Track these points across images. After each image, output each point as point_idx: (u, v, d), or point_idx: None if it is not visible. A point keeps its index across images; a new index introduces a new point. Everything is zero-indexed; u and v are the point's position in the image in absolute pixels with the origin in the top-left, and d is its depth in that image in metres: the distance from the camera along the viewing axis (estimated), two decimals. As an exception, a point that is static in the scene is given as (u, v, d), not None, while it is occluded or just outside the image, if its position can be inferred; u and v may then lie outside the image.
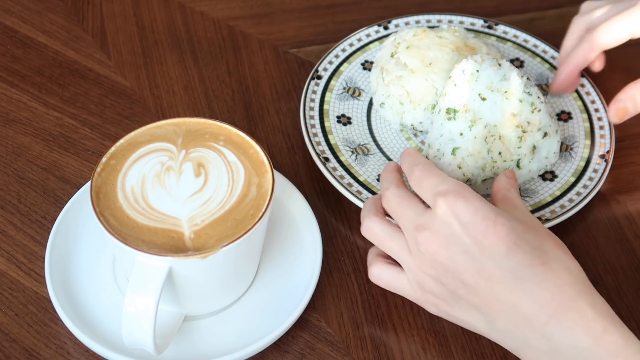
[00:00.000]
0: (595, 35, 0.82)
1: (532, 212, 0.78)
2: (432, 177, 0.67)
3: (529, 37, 0.93)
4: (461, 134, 0.75)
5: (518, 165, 0.78)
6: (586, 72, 0.89)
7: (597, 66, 0.87)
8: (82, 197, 0.77)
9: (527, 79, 0.78)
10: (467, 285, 0.64)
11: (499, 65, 0.77)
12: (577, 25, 0.85)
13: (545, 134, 0.79)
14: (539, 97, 0.78)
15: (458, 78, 0.76)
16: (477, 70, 0.75)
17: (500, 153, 0.77)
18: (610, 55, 0.88)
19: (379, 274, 0.70)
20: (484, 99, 0.75)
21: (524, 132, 0.77)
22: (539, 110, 0.77)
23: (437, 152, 0.76)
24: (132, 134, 0.72)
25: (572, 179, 0.81)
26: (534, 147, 0.78)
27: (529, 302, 0.62)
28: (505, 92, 0.76)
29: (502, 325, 0.64)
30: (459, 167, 0.75)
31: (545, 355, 0.62)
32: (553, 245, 0.64)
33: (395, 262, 0.70)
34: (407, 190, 0.69)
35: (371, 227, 0.69)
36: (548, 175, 0.81)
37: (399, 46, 0.84)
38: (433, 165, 0.69)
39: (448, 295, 0.66)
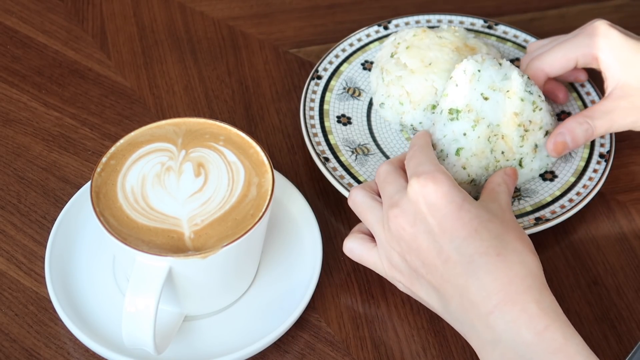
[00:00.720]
0: (537, 62, 0.82)
1: (532, 212, 0.78)
2: (418, 157, 0.69)
3: (529, 37, 0.93)
4: (464, 134, 0.75)
5: (520, 164, 0.78)
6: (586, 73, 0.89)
7: (562, 99, 0.86)
8: (82, 197, 0.77)
9: (528, 78, 0.78)
10: (426, 265, 0.66)
11: (500, 64, 0.77)
12: (523, 66, 0.85)
13: (546, 133, 0.79)
14: (539, 96, 0.78)
15: (459, 78, 0.76)
16: (479, 70, 0.75)
17: (503, 152, 0.77)
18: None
19: (351, 247, 0.73)
20: (486, 99, 0.75)
21: (526, 131, 0.77)
22: (540, 109, 0.77)
23: (441, 153, 0.76)
24: (132, 134, 0.72)
25: (572, 179, 0.81)
26: (536, 145, 0.78)
27: (478, 290, 0.63)
28: (507, 91, 0.76)
29: (453, 308, 0.65)
30: (464, 168, 0.75)
31: (489, 344, 0.63)
32: (515, 238, 0.66)
33: (371, 238, 0.72)
34: (396, 167, 0.71)
35: (354, 197, 0.72)
36: (548, 175, 0.81)
37: (399, 46, 0.84)
38: (428, 148, 0.71)
39: (410, 273, 0.68)
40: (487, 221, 0.65)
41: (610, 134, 0.84)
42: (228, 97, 0.91)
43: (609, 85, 0.80)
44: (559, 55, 0.81)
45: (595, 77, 0.89)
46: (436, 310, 0.68)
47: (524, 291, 0.63)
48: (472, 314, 0.64)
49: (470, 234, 0.65)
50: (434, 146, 0.77)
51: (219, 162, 0.71)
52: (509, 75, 0.76)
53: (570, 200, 0.79)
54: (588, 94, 0.88)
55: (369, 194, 0.72)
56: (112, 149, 0.71)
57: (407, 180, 0.69)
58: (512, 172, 0.75)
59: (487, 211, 0.66)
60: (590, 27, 0.80)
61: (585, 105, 0.87)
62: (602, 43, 0.79)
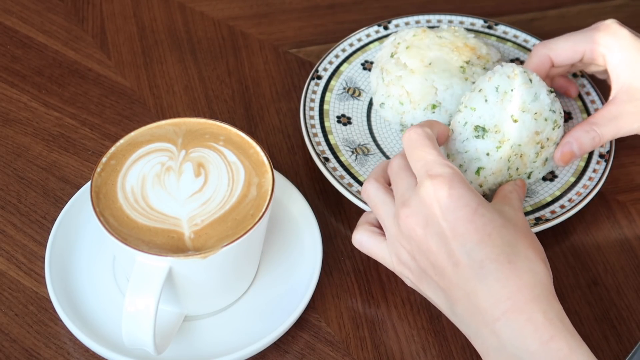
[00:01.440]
0: (544, 48, 0.81)
1: (532, 212, 0.78)
2: (426, 151, 0.68)
3: (529, 37, 0.93)
4: (488, 154, 0.74)
5: (529, 177, 0.78)
6: (586, 73, 0.89)
7: (573, 92, 0.86)
8: (82, 197, 0.77)
9: (554, 95, 0.76)
10: (435, 267, 0.66)
11: (530, 81, 0.74)
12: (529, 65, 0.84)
13: (556, 145, 0.78)
14: (560, 113, 0.76)
15: (490, 94, 0.74)
16: (512, 90, 0.74)
17: (517, 168, 0.76)
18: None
19: (361, 239, 0.72)
20: (515, 121, 0.74)
21: (542, 147, 0.76)
22: (559, 127, 0.76)
23: (459, 168, 0.74)
24: (132, 134, 0.72)
25: (572, 179, 0.81)
26: (546, 159, 0.78)
27: (486, 296, 0.63)
28: (535, 113, 0.74)
29: (459, 311, 0.65)
30: (480, 186, 0.75)
31: (493, 350, 0.63)
32: (527, 245, 0.65)
33: (380, 230, 0.72)
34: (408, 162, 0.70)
35: (368, 190, 0.71)
36: (548, 176, 0.81)
37: (399, 46, 0.84)
38: (431, 137, 0.69)
39: (419, 271, 0.68)
40: (500, 226, 0.65)
41: (610, 134, 0.84)
42: (228, 97, 0.91)
43: (613, 87, 0.79)
44: (567, 45, 0.80)
45: (595, 78, 0.89)
46: (442, 310, 0.68)
47: (532, 300, 0.62)
48: (478, 319, 0.64)
49: (483, 239, 0.64)
50: (451, 157, 0.75)
51: (219, 162, 0.71)
52: (539, 94, 0.74)
53: (570, 200, 0.79)
54: (588, 94, 0.88)
55: (382, 188, 0.71)
56: (112, 149, 0.71)
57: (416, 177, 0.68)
58: (522, 183, 0.74)
59: (501, 216, 0.66)
60: (602, 24, 0.79)
61: (585, 106, 0.87)
62: (612, 42, 0.78)
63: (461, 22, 0.94)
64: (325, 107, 0.86)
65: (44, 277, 0.74)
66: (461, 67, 0.82)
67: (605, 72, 0.82)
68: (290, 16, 0.99)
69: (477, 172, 0.74)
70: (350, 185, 0.79)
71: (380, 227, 0.72)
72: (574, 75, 0.89)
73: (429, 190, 0.65)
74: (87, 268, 0.74)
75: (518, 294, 0.62)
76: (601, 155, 0.83)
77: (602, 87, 0.88)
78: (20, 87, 0.90)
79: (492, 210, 0.66)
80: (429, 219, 0.66)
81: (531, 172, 0.78)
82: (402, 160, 0.70)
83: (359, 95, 0.88)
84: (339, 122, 0.85)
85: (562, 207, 0.79)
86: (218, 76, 0.92)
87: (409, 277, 0.69)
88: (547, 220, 0.77)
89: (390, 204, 0.70)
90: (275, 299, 0.73)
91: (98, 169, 0.70)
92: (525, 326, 0.62)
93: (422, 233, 0.66)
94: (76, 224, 0.76)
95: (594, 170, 0.82)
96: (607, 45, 0.79)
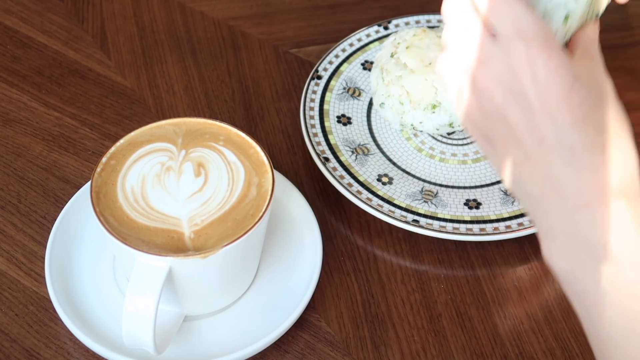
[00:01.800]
0: None
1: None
2: (510, 2, 0.58)
3: (529, 37, 0.92)
4: None
5: (598, 15, 0.71)
6: None
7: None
8: (82, 197, 0.77)
9: None
10: (509, 138, 0.58)
11: None
12: None
13: None
14: None
15: None
16: None
17: (593, 9, 0.67)
18: (610, 55, 0.88)
19: (441, 64, 0.61)
20: None
21: None
22: None
23: (542, 18, 0.64)
24: (132, 134, 0.72)
25: (572, 179, 0.81)
26: None
27: (570, 183, 0.57)
28: None
29: (529, 189, 0.59)
30: (565, 34, 0.66)
31: (562, 234, 0.58)
32: (620, 130, 0.58)
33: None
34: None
35: (445, 10, 0.60)
36: (548, 175, 0.81)
37: (398, 46, 0.84)
38: None
39: (484, 136, 0.60)
40: (595, 107, 0.57)
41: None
42: (228, 97, 0.91)
43: None
44: None
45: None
46: (502, 178, 0.61)
47: (621, 194, 0.56)
48: (554, 202, 0.57)
49: (577, 121, 0.56)
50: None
51: (219, 162, 0.71)
52: None
53: (571, 200, 0.79)
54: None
55: (476, 19, 0.58)
56: (112, 149, 0.71)
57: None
58: (597, 26, 0.66)
59: (595, 90, 0.58)
60: None
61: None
62: None
63: (461, 22, 0.94)
64: (325, 107, 0.86)
65: (44, 277, 0.74)
66: (461, 67, 0.82)
67: None
68: (290, 16, 0.99)
69: (565, 20, 0.65)
70: (350, 185, 0.79)
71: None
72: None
73: (521, 54, 0.57)
74: (87, 268, 0.74)
75: (607, 186, 0.56)
76: (601, 155, 0.82)
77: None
78: (20, 87, 0.90)
79: (586, 85, 0.58)
80: (514, 87, 0.57)
81: (599, 12, 0.71)
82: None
83: (359, 95, 0.88)
84: (339, 122, 0.85)
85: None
86: (218, 76, 0.92)
87: (469, 128, 0.61)
88: (547, 220, 0.77)
89: (464, 57, 0.59)
90: (275, 299, 0.73)
91: (98, 169, 0.70)
92: (608, 222, 0.56)
93: (501, 101, 0.58)
94: (76, 224, 0.76)
95: (594, 170, 0.81)
96: None
